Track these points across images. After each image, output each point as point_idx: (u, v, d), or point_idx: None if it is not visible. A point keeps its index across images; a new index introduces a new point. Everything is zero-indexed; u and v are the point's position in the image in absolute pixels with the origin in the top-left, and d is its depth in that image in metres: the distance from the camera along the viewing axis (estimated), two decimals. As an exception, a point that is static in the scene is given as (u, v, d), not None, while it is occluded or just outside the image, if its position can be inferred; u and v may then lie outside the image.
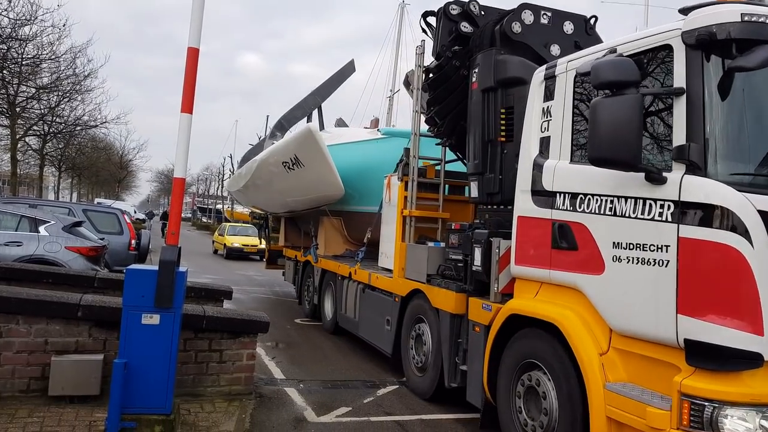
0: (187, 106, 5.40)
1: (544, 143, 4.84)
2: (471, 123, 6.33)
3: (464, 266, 5.85)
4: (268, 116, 55.65)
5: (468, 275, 5.78)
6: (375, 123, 13.33)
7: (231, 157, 56.08)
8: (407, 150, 7.54)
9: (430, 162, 7.77)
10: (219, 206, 65.43)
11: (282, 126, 13.22)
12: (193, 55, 5.36)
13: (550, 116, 4.81)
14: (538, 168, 4.84)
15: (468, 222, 6.52)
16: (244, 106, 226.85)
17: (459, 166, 7.88)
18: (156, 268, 5.03)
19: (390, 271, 7.69)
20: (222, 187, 67.08)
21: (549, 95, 4.87)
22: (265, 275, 19.81)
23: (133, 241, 12.84)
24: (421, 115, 7.55)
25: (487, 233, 5.46)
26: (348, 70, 13.88)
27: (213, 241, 29.21)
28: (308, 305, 11.65)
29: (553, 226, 4.59)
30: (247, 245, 26.15)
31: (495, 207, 6.07)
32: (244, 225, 29.99)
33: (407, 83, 12.19)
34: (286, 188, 10.28)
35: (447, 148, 7.69)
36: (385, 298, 7.70)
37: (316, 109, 13.32)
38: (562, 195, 4.56)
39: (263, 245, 23.96)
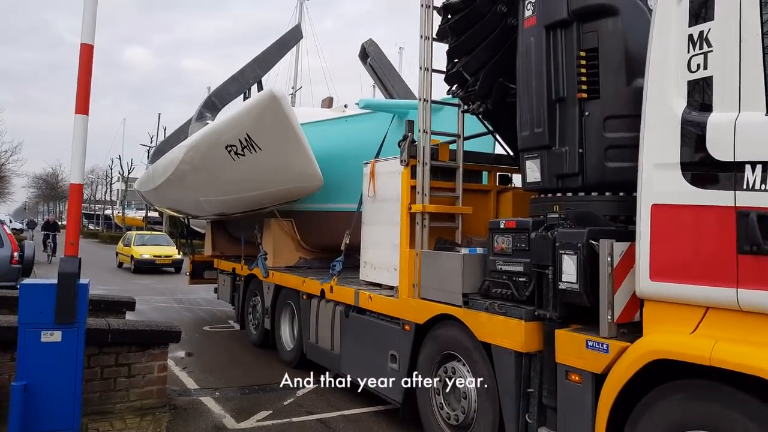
0: (82, 106, 5.11)
1: (700, 89, 3.30)
2: (524, 77, 4.59)
3: (536, 282, 4.09)
4: (159, 114, 53.34)
5: (547, 295, 3.96)
6: (329, 102, 11.13)
7: (120, 159, 53.01)
8: (410, 123, 5.65)
9: (440, 140, 5.77)
10: (108, 212, 61.46)
11: (213, 105, 10.54)
12: (86, 52, 5.07)
13: (710, 46, 3.23)
14: (694, 127, 3.24)
15: (521, 217, 4.85)
16: (131, 102, 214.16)
17: (476, 145, 6.19)
18: (53, 281, 4.70)
19: (390, 288, 5.94)
20: (110, 191, 63.17)
21: (702, 14, 3.30)
22: (164, 282, 18.95)
23: (15, 254, 11.75)
24: (432, 73, 5.53)
25: (586, 233, 3.73)
26: (294, 36, 11.91)
27: (117, 253, 25.29)
28: (255, 330, 9.34)
29: (741, 219, 3.01)
30: (160, 256, 22.62)
31: (568, 195, 4.38)
32: (154, 233, 26.79)
33: (364, 55, 10.78)
34: (229, 182, 7.71)
35: (463, 117, 5.84)
36: (386, 326, 5.67)
37: (256, 84, 10.87)
38: (758, 167, 2.96)
39: (180, 255, 21.28)
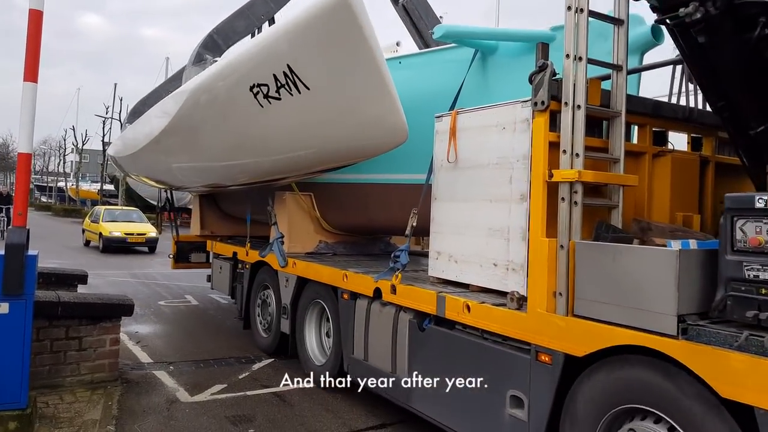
0: (32, 74, 4.95)
1: None
2: None
3: None
4: (116, 84, 51.47)
5: None
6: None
7: (74, 130, 51.19)
8: (544, 47, 3.95)
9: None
10: (61, 184, 59.46)
11: (215, 45, 8.64)
12: (35, 17, 4.90)
13: None
14: None
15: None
16: (86, 72, 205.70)
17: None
18: (0, 252, 4.59)
19: (484, 291, 4.36)
20: (63, 163, 61.02)
21: None
22: (119, 257, 18.48)
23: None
24: None
25: None
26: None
27: (83, 230, 22.59)
28: (266, 333, 7.53)
29: None
30: (132, 234, 20.28)
31: None
32: (125, 208, 24.21)
33: None
34: (250, 139, 5.56)
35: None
36: (500, 352, 3.95)
37: (267, 22, 9.02)
38: None
39: (155, 234, 20.29)
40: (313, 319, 6.55)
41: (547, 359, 3.57)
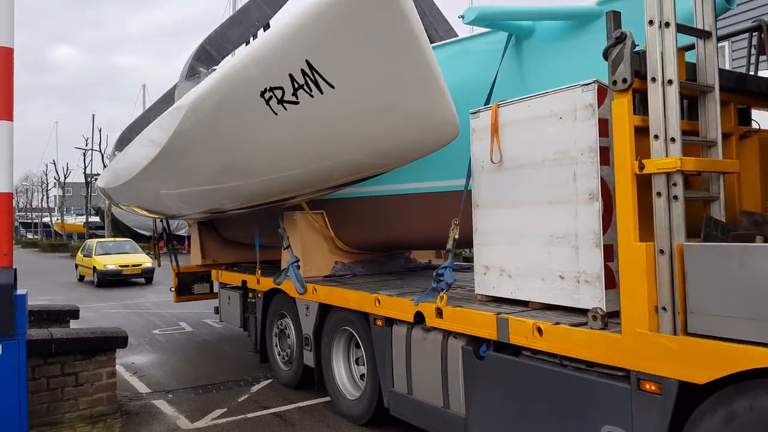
0: (6, 112, 4.96)
1: None
2: None
3: None
4: (93, 115, 51.21)
5: None
6: None
7: (54, 164, 50.80)
8: (615, 16, 3.25)
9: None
10: (46, 219, 58.90)
11: (208, 55, 8.06)
12: (6, 55, 4.92)
13: None
14: None
15: None
16: (62, 105, 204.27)
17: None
18: (-11, 294, 4.57)
19: (550, 308, 3.81)
20: (47, 198, 60.47)
21: None
22: (114, 290, 18.23)
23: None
24: None
25: None
26: None
27: (76, 265, 21.88)
28: (287, 366, 6.84)
29: None
30: (127, 266, 19.68)
31: None
32: (118, 239, 23.61)
33: None
34: (262, 153, 4.83)
35: None
36: (587, 381, 3.32)
37: (262, 28, 8.39)
38: None
39: (151, 264, 19.32)
40: (340, 348, 5.84)
41: (653, 388, 2.94)
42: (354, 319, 5.48)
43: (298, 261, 6.38)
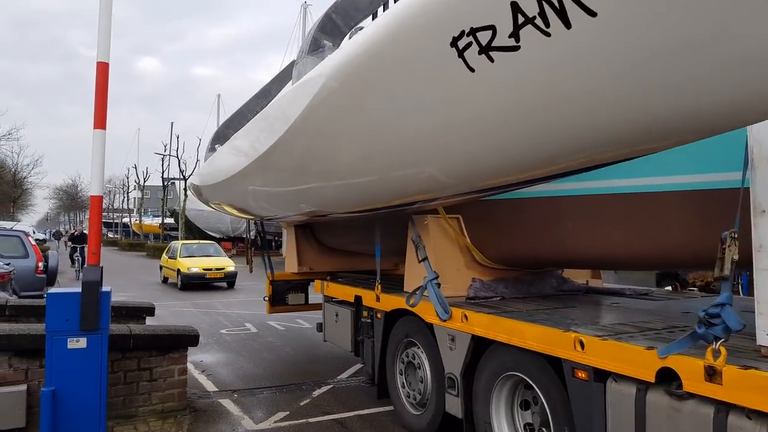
0: (100, 121, 5.31)
1: None
2: None
3: None
4: (172, 123, 53.93)
5: None
6: None
7: (135, 168, 53.73)
8: None
9: None
10: (125, 220, 62.30)
11: (334, 26, 6.83)
12: (103, 70, 5.27)
13: None
14: None
15: None
16: (144, 112, 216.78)
17: None
18: (78, 290, 4.91)
19: None
20: (127, 200, 63.98)
21: None
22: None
23: (40, 264, 12.10)
24: None
25: None
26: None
27: (161, 267, 21.91)
28: (417, 409, 5.55)
29: None
30: (210, 269, 19.26)
31: None
32: (202, 242, 23.37)
33: None
34: (448, 125, 3.03)
35: None
36: None
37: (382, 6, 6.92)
38: None
39: (233, 268, 19.17)
40: (502, 398, 4.37)
41: None
42: (532, 364, 3.98)
43: (437, 277, 5.06)
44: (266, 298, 9.01)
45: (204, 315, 13.34)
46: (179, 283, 19.24)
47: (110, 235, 64.45)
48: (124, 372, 5.86)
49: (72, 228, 63.28)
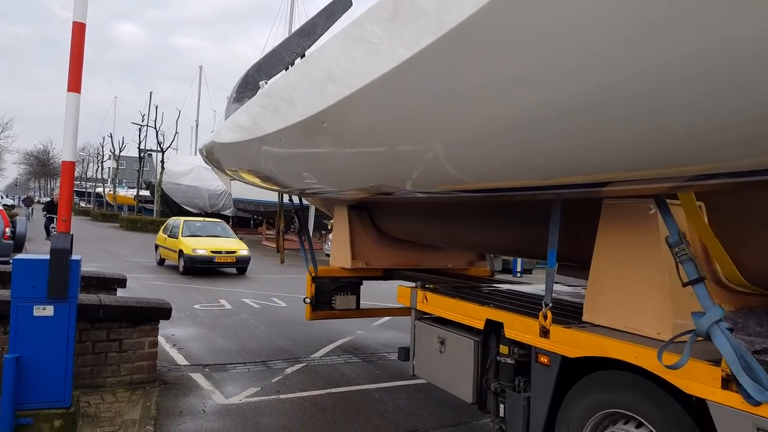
0: (75, 84, 5.13)
1: None
2: None
3: None
4: (151, 93, 52.85)
5: None
6: None
7: (111, 137, 52.62)
8: None
9: None
10: (99, 189, 61.15)
11: (252, 81, 6.83)
12: (79, 30, 5.08)
13: None
14: None
15: None
16: (122, 81, 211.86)
17: None
18: (45, 257, 4.77)
19: None
20: (101, 169, 62.72)
21: None
22: (152, 258, 18.80)
23: (7, 230, 11.79)
24: None
25: None
26: (340, 4, 7.50)
27: (156, 246, 18.79)
28: None
29: None
30: (220, 252, 16.34)
31: None
32: (207, 220, 20.28)
33: None
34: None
35: None
36: None
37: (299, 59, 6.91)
38: None
39: (246, 252, 16.47)
40: None
41: None
42: None
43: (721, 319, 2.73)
44: (307, 301, 7.11)
45: (177, 289, 13.18)
46: (181, 266, 16.30)
47: (82, 204, 63.25)
48: (93, 342, 5.75)
49: (46, 195, 61.87)
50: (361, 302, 7.38)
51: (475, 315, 4.43)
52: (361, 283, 7.30)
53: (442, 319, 4.92)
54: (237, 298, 12.11)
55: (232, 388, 6.18)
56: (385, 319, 10.48)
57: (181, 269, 16.28)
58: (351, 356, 7.68)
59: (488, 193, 3.94)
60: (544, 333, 3.70)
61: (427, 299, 5.09)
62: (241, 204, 35.27)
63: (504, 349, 4.19)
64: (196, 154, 60.04)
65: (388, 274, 6.99)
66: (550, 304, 3.69)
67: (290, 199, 7.60)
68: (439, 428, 5.30)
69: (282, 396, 5.98)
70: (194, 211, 41.04)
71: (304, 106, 3.83)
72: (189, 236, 17.02)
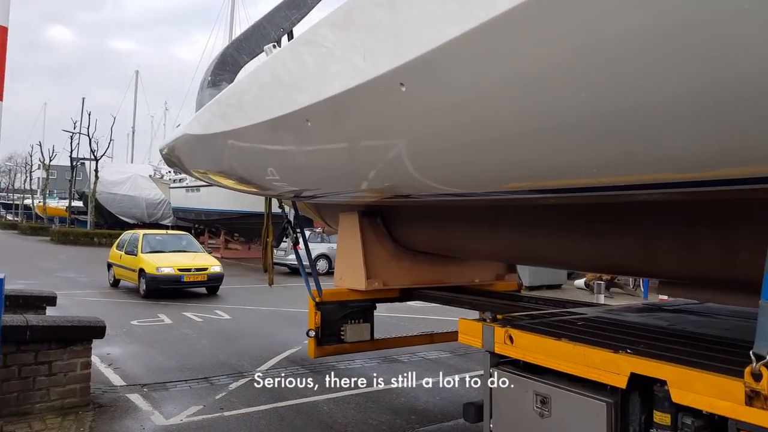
0: (-4, 91, 4.80)
1: None
2: None
3: None
4: (84, 98, 50.61)
5: None
6: None
7: (40, 146, 50.08)
8: None
9: None
10: (28, 201, 58.04)
11: (231, 62, 5.97)
12: (1, 34, 4.76)
13: None
14: None
15: None
16: (53, 86, 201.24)
17: None
18: (-36, 277, 4.44)
19: None
20: (30, 180, 59.55)
21: None
22: (86, 273, 17.93)
23: None
24: None
25: None
26: None
27: (110, 265, 16.42)
28: None
29: None
30: (188, 270, 14.25)
31: None
32: (171, 233, 18.58)
33: None
34: None
35: None
36: None
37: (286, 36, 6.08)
38: None
39: (219, 269, 14.53)
40: None
41: None
42: None
43: None
44: (311, 334, 5.81)
45: (112, 305, 12.62)
46: (143, 288, 14.05)
47: (9, 217, 59.92)
48: (19, 366, 5.38)
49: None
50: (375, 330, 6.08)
51: (610, 366, 2.86)
52: (375, 308, 6.00)
53: (534, 365, 3.30)
54: (177, 312, 11.70)
55: (173, 407, 5.92)
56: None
57: (142, 291, 14.06)
58: (299, 367, 7.53)
59: (583, 193, 3.12)
60: (757, 400, 2.26)
61: (512, 340, 3.39)
62: (180, 213, 34.33)
63: (662, 417, 2.70)
64: (132, 162, 58.05)
65: (404, 295, 5.85)
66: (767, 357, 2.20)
67: (281, 206, 6.50)
68: (389, 438, 5.25)
69: (226, 413, 5.78)
70: (131, 221, 39.57)
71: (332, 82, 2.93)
72: (150, 252, 14.97)
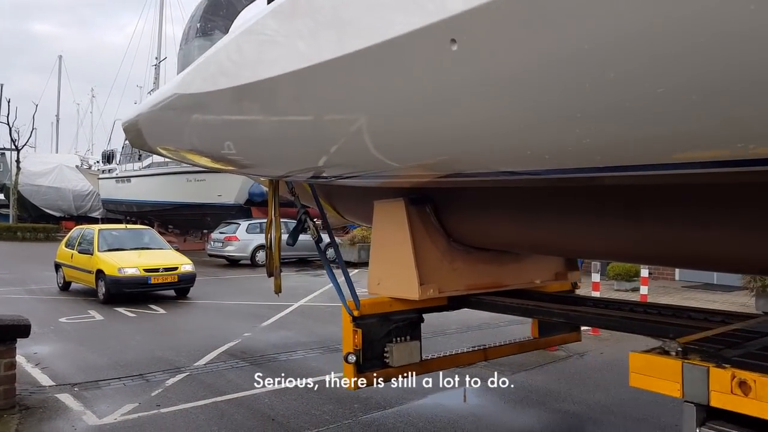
0: None
1: None
2: None
3: None
4: (2, 85, 47.43)
5: None
6: None
7: (-47, 135, 46.63)
8: None
9: None
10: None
11: (228, 4, 5.19)
12: None
13: None
14: None
15: None
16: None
17: None
18: None
19: None
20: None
21: None
22: (8, 270, 16.94)
23: None
24: None
25: None
26: None
27: (59, 266, 14.15)
28: None
29: None
30: (157, 270, 12.40)
31: None
32: (131, 227, 16.46)
33: None
34: None
35: None
36: None
37: None
38: None
39: (190, 267, 12.78)
40: None
41: None
42: None
43: None
44: (351, 359, 4.22)
45: (37, 302, 12.00)
46: (102, 292, 12.10)
47: None
48: (-66, 370, 5.06)
49: None
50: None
51: None
52: (422, 320, 4.57)
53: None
54: (108, 307, 11.25)
55: (106, 406, 5.71)
56: (276, 317, 10.29)
57: (101, 296, 12.09)
58: (238, 361, 7.42)
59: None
60: None
61: (748, 387, 2.06)
62: (111, 205, 32.97)
63: None
64: (57, 152, 55.02)
65: (454, 302, 4.58)
66: None
67: (292, 191, 5.00)
68: (332, 425, 5.26)
69: (163, 410, 5.63)
70: (57, 214, 37.68)
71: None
72: (109, 250, 12.84)
